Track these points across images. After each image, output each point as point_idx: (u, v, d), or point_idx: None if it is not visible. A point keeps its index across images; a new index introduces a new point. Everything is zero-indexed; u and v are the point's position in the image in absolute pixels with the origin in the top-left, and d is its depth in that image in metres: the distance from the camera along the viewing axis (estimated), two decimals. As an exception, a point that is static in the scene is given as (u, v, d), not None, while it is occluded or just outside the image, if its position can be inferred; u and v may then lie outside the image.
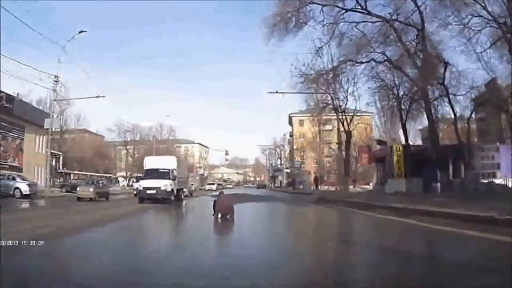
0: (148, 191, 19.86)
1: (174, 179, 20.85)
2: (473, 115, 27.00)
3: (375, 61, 20.80)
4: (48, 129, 27.38)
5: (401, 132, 45.61)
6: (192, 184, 43.40)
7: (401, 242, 7.23)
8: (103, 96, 26.47)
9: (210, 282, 4.03)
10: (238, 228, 9.54)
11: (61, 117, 57.57)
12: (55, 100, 22.95)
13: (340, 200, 18.16)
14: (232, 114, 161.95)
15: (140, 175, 22.15)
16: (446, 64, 19.65)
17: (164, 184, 19.85)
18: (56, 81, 23.65)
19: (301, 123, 71.32)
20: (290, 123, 74.95)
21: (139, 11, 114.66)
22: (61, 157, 48.23)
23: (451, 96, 21.74)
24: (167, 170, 20.77)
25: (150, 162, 22.73)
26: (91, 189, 22.29)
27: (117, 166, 75.69)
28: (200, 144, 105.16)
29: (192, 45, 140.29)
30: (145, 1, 78.61)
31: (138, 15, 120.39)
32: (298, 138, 68.73)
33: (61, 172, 48.57)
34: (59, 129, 56.89)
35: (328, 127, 61.48)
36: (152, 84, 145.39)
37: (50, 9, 70.41)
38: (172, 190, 20.42)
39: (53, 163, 46.09)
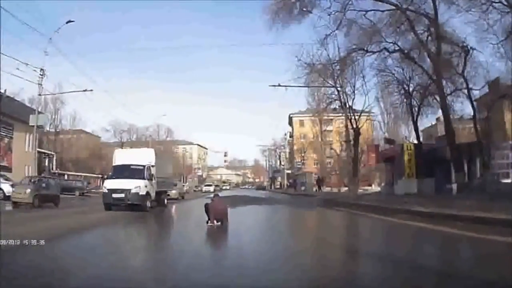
0: (115, 195, 14.95)
1: (150, 178, 16.07)
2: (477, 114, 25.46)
3: (387, 50, 19.22)
4: (33, 126, 25.77)
5: (403, 131, 44.58)
6: (184, 185, 39.53)
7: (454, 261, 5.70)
8: (91, 90, 24.80)
9: None
10: (238, 243, 7.42)
11: (56, 116, 56.42)
12: (40, 95, 21.41)
13: (351, 203, 16.52)
14: (231, 115, 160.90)
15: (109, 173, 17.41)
16: (467, 51, 17.90)
17: (136, 186, 14.98)
18: (41, 75, 22.09)
19: (302, 123, 69.94)
20: (290, 123, 73.42)
21: (136, 12, 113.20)
22: (54, 157, 46.63)
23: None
24: (141, 167, 15.89)
25: (120, 156, 17.64)
26: (28, 191, 16.01)
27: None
28: (199, 145, 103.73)
29: (190, 46, 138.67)
30: (144, 1, 76.96)
31: (135, 15, 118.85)
32: (298, 138, 67.22)
33: (55, 173, 46.85)
34: (53, 129, 55.97)
35: (329, 127, 60.13)
36: (150, 85, 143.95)
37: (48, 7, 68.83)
38: (148, 193, 15.62)
39: (46, 163, 44.69)
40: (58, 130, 57.60)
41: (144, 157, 16.81)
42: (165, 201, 19.18)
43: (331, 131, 61.29)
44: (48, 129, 55.03)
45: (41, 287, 3.97)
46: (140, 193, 15.01)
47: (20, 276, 4.30)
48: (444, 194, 19.70)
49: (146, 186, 15.46)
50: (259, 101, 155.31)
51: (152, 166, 16.55)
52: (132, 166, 15.96)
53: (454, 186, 19.13)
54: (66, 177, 48.98)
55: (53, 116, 55.35)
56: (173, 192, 24.39)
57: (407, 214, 10.92)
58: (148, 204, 15.63)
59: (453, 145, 18.69)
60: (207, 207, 9.51)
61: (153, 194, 16.29)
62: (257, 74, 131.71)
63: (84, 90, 24.45)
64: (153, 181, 16.40)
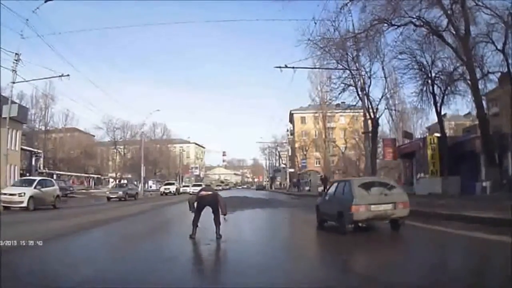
0: None
1: None
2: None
3: (414, 24, 16.62)
4: (16, 120, 23.11)
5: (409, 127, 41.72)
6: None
7: None
8: (68, 75, 21.92)
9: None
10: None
11: (46, 112, 53.94)
12: (13, 82, 18.89)
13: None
14: (230, 114, 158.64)
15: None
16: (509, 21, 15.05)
17: None
18: (16, 60, 19.48)
19: (303, 120, 67.45)
20: (291, 120, 70.73)
21: (132, 12, 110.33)
22: (42, 156, 44.02)
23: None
24: None
25: None
26: None
27: (109, 167, 71.25)
28: (196, 144, 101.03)
29: (188, 45, 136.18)
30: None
31: (131, 15, 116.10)
32: (300, 136, 64.54)
33: (43, 172, 44.18)
34: (43, 126, 53.46)
35: (332, 124, 57.55)
36: (147, 84, 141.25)
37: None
38: None
39: (33, 162, 42.16)
40: (48, 128, 55.05)
41: None
42: None
43: (334, 128, 58.84)
44: (38, 126, 52.85)
45: None
46: None
47: None
48: (475, 193, 17.18)
49: None
50: (258, 99, 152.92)
51: None
52: None
53: (488, 183, 16.56)
54: (54, 177, 46.30)
55: (43, 112, 53.25)
56: None
57: (460, 222, 8.40)
58: None
59: (487, 136, 16.13)
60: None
61: None
62: (257, 74, 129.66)
63: (61, 76, 21.75)
64: None
